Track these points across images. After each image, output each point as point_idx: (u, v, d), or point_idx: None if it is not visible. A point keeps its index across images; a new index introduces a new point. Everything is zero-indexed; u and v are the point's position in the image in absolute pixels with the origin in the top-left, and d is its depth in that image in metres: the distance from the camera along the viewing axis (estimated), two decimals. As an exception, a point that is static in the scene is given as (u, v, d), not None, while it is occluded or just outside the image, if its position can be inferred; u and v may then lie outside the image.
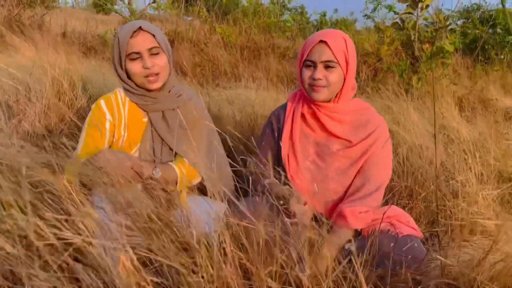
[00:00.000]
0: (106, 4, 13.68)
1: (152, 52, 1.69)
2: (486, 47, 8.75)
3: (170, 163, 1.77)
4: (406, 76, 5.10)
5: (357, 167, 1.63)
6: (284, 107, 1.81)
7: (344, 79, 1.63)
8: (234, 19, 8.03)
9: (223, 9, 8.65)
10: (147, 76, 1.70)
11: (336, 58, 1.58)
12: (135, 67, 1.69)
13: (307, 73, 1.64)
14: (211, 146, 1.93)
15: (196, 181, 1.84)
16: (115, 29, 6.24)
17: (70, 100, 2.39)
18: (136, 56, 1.68)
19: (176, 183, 1.75)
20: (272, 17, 7.49)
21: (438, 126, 3.20)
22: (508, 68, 8.20)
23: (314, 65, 1.61)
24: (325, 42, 1.58)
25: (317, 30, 11.84)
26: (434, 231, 1.89)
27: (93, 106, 1.80)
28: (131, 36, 1.66)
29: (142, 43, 1.67)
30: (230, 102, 3.03)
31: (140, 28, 1.67)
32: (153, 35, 1.69)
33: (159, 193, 1.44)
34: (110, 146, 1.79)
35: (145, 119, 1.81)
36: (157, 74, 1.71)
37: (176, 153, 1.82)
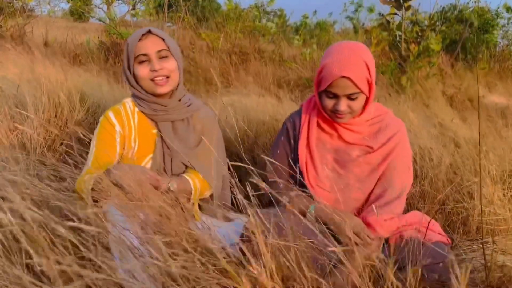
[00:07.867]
0: (83, 13, 13.50)
1: (161, 55, 1.67)
2: (466, 46, 8.92)
3: (184, 175, 1.71)
4: (395, 76, 5.12)
5: (378, 173, 1.59)
6: (299, 113, 1.75)
7: (367, 98, 1.55)
8: (217, 24, 7.97)
9: (201, 15, 8.58)
10: (153, 80, 1.66)
11: (360, 89, 1.48)
12: (142, 70, 1.66)
13: (328, 102, 1.55)
14: (218, 157, 1.89)
15: (208, 193, 1.78)
16: (99, 37, 6.13)
17: (69, 112, 2.31)
18: (144, 58, 1.65)
19: (190, 195, 1.70)
20: (256, 21, 7.45)
21: (437, 125, 3.20)
22: (487, 64, 8.35)
23: (336, 96, 1.52)
24: (347, 78, 1.46)
25: (297, 32, 11.74)
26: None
27: (101, 118, 1.73)
28: (140, 39, 1.64)
29: (150, 45, 1.65)
30: (229, 110, 2.96)
31: (149, 31, 1.66)
32: (162, 39, 1.67)
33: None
34: (120, 159, 1.72)
35: (155, 131, 1.75)
36: (166, 77, 1.68)
37: (186, 165, 1.76)
